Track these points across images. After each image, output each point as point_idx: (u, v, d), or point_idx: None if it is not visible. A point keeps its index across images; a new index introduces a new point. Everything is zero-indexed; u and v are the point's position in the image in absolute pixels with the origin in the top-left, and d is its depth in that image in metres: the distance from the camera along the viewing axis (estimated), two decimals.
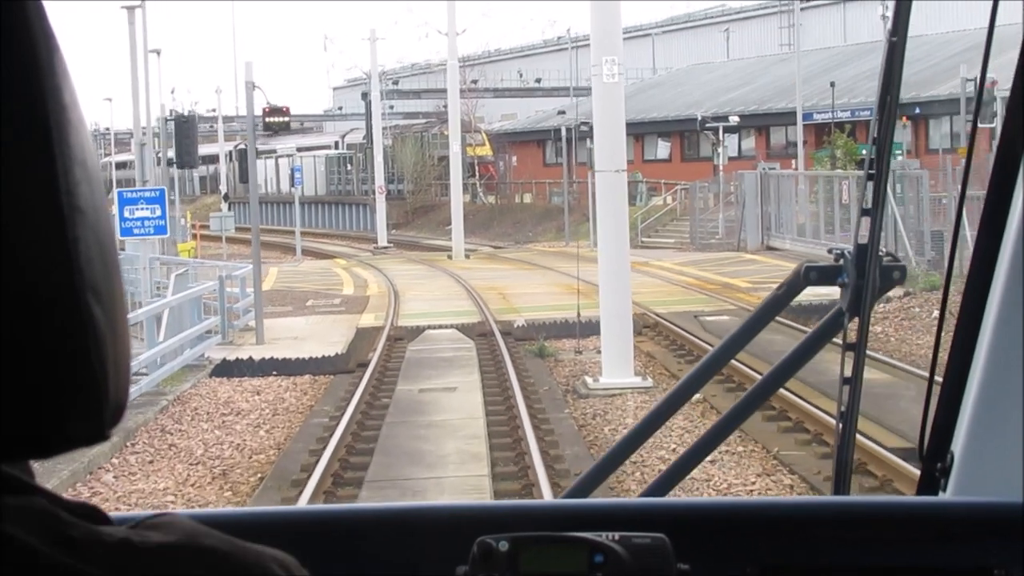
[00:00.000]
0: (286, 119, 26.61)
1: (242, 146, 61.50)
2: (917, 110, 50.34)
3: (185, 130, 35.01)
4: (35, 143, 0.73)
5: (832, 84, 46.24)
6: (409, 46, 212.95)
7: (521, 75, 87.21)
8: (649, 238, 48.00)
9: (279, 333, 24.74)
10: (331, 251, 55.78)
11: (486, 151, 71.03)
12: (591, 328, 22.41)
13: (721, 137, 50.67)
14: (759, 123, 58.71)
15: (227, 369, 20.38)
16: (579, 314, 21.94)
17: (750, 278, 31.02)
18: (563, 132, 57.26)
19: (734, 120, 50.68)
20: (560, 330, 23.91)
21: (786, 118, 57.29)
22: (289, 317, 27.69)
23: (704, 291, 29.14)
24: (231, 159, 68.79)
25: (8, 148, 0.72)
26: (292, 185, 55.95)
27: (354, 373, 19.88)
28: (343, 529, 1.92)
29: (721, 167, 49.10)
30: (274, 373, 20.17)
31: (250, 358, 21.16)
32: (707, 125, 52.11)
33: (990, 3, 2.07)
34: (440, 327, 24.60)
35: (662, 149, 65.77)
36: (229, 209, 65.56)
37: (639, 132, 61.69)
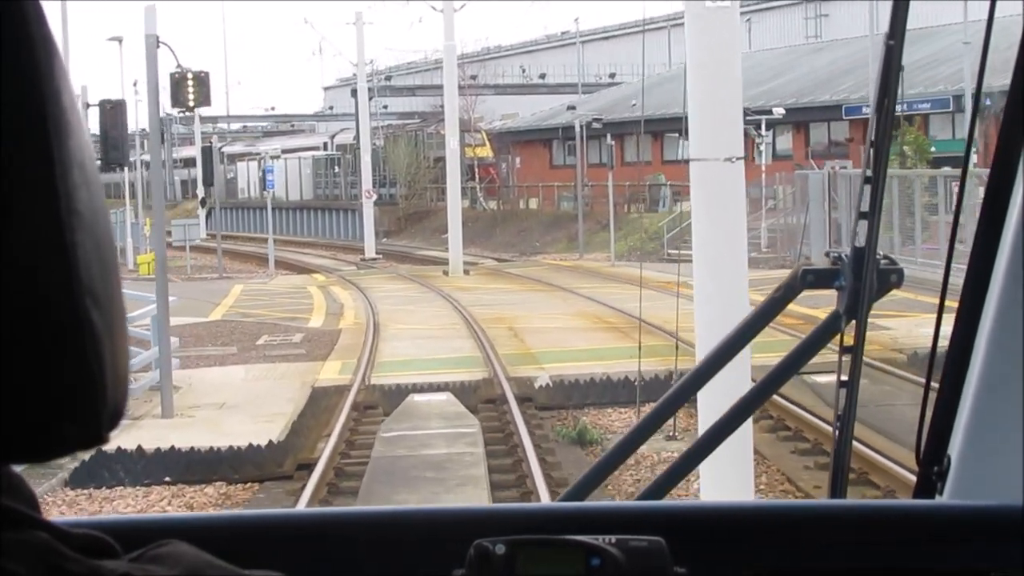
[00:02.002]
0: (199, 89, 19.17)
1: (212, 145, 54.80)
2: (988, 101, 44.16)
3: (112, 119, 27.58)
4: (34, 146, 0.73)
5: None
6: (400, 32, 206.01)
7: (524, 71, 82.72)
8: (677, 250, 41.19)
9: (202, 396, 17.48)
10: (311, 264, 49.15)
11: (486, 152, 65.93)
12: (648, 389, 15.17)
13: (763, 132, 43.65)
14: (797, 118, 51.89)
15: (94, 473, 13.05)
16: (640, 376, 14.63)
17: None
18: (577, 128, 50.95)
19: (779, 112, 43.73)
20: (602, 392, 16.74)
21: (829, 112, 51.12)
22: (227, 366, 20.43)
23: (787, 330, 21.65)
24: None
25: (7, 151, 0.72)
26: (263, 188, 48.88)
27: (291, 481, 12.61)
28: (339, 533, 1.85)
29: (763, 167, 42.37)
30: (166, 481, 12.87)
31: (139, 449, 13.85)
32: (747, 118, 45.07)
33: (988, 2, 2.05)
34: (430, 387, 17.32)
35: (685, 148, 58.89)
36: (208, 215, 59.04)
37: (657, 130, 56.08)
